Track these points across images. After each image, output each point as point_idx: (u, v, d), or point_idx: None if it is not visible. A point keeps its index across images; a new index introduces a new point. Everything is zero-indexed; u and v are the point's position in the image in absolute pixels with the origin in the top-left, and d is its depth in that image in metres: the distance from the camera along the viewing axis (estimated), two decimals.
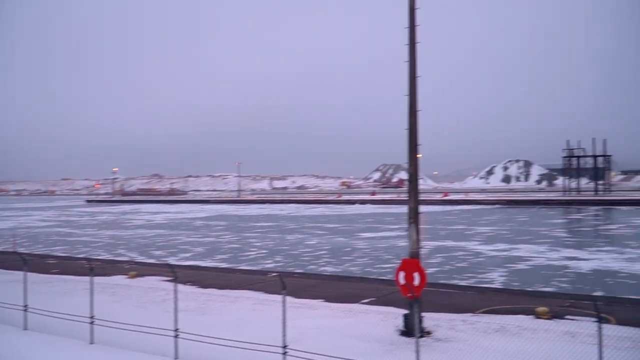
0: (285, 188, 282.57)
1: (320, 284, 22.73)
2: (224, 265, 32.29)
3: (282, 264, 32.94)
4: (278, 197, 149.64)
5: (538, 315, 15.18)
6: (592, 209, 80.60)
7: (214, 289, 21.25)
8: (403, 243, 39.62)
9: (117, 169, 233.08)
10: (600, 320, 9.29)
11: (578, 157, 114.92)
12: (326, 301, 18.65)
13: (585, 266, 29.57)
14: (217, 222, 70.01)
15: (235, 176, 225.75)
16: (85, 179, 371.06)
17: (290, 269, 29.99)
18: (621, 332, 13.71)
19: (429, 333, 13.79)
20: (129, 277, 24.15)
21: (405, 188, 16.82)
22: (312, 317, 15.92)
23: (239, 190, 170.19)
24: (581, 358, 11.53)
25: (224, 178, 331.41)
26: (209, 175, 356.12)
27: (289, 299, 13.57)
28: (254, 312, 16.82)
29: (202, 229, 60.01)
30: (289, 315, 12.12)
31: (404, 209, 16.07)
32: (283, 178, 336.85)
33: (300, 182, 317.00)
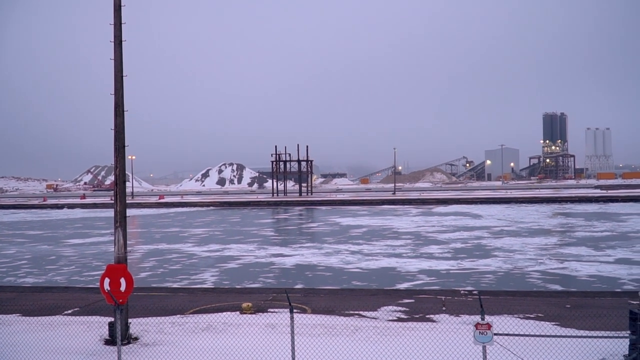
0: None
1: (18, 297, 20.67)
2: None
3: None
4: None
5: (243, 311, 15.97)
6: (297, 209, 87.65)
7: None
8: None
9: None
10: (292, 310, 10.21)
11: (284, 161, 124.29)
12: (23, 315, 17.00)
13: (288, 262, 32.06)
14: None
15: None
16: None
17: None
18: (315, 320, 15.22)
19: (135, 339, 13.51)
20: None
21: None
22: (9, 334, 14.35)
23: None
24: (277, 346, 12.56)
25: None
26: None
27: None
28: None
29: None
30: None
31: None
32: None
33: None
